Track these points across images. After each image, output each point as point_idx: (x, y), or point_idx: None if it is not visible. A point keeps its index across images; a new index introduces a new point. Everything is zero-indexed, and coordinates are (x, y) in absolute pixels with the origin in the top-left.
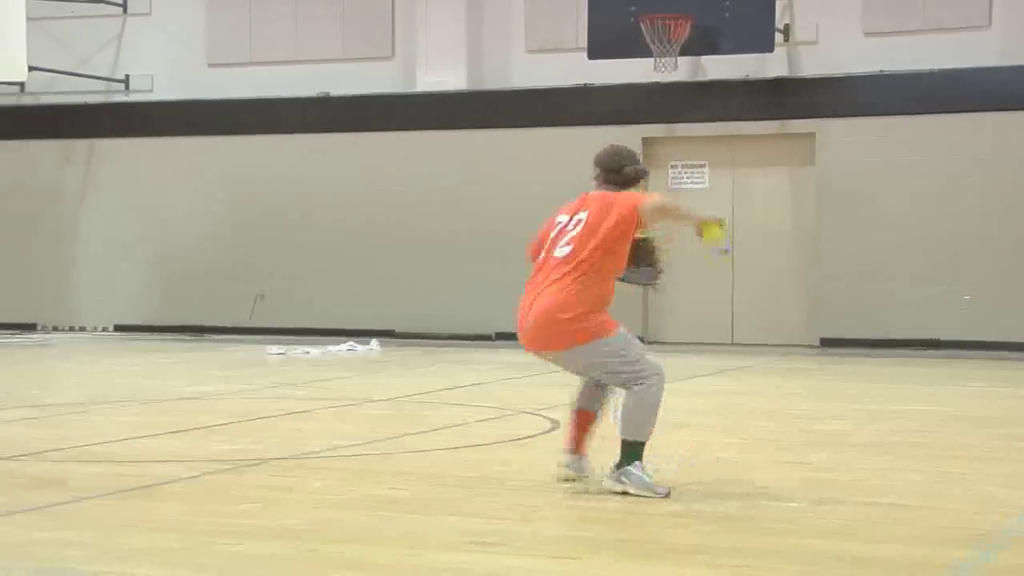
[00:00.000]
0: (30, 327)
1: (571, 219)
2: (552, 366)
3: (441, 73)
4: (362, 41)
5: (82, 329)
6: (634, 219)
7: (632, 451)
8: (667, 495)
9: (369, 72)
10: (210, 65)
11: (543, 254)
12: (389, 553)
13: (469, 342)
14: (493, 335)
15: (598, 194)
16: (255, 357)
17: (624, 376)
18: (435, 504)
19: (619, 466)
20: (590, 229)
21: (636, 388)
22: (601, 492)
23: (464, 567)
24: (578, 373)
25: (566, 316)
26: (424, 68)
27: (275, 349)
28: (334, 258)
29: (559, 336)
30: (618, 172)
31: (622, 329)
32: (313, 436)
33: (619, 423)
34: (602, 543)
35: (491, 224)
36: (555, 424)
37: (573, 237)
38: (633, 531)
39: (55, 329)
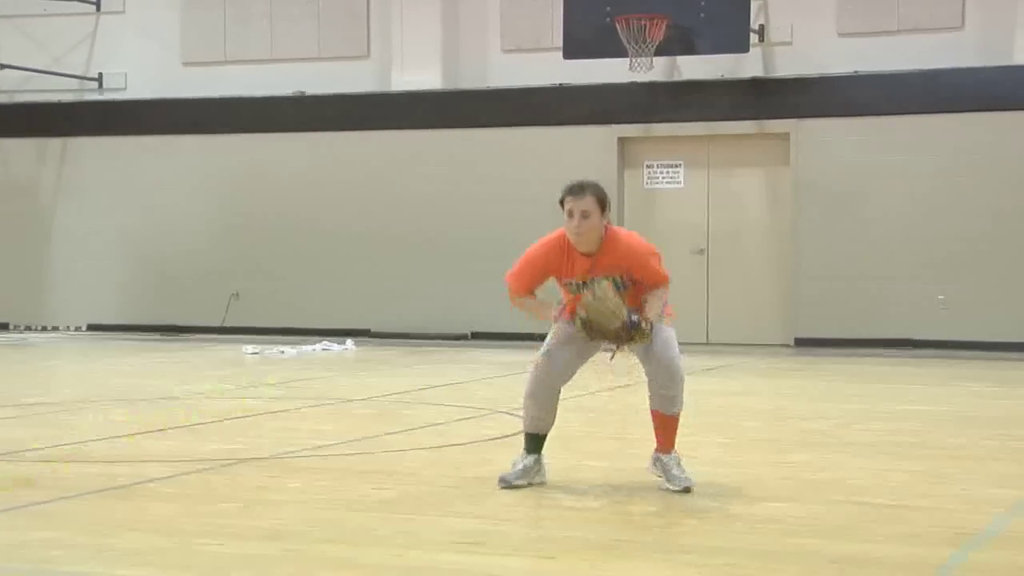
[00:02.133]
0: (3, 327)
1: None
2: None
3: (417, 72)
4: (338, 40)
5: (55, 328)
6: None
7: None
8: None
9: (345, 71)
10: (185, 64)
11: None
12: (373, 553)
13: (446, 341)
14: (469, 334)
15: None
16: (231, 356)
17: None
18: (417, 504)
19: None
20: None
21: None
22: (586, 492)
23: (448, 567)
24: None
25: None
26: (400, 67)
27: (250, 348)
28: (309, 257)
29: None
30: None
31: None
32: (294, 436)
33: None
34: (588, 543)
35: (467, 223)
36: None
37: None
38: (620, 531)
39: (28, 328)
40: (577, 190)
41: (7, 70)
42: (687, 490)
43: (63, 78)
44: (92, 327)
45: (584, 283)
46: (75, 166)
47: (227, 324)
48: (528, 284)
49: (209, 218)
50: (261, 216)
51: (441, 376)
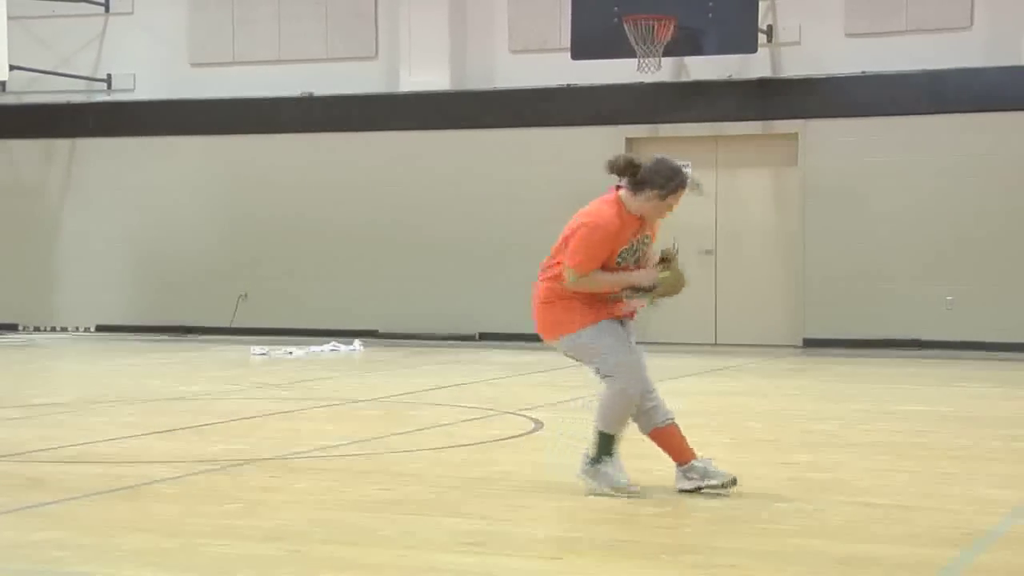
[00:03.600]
0: (11, 327)
1: None
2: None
3: (425, 73)
4: (345, 41)
5: (64, 329)
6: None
7: (602, 443)
8: (637, 493)
9: (353, 72)
10: (193, 65)
11: None
12: (378, 553)
13: (453, 342)
14: (477, 335)
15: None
16: (239, 357)
17: (595, 367)
18: (423, 504)
19: (593, 461)
20: (564, 239)
21: (607, 381)
22: (591, 492)
23: (453, 567)
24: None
25: (551, 324)
26: (408, 68)
27: (258, 349)
28: (317, 258)
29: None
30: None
31: (603, 322)
32: (300, 437)
33: (595, 410)
34: (593, 543)
35: (475, 224)
36: (539, 424)
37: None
38: (624, 531)
39: (37, 329)
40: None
41: (16, 71)
42: (735, 480)
43: (72, 79)
44: (100, 328)
45: (634, 247)
46: (83, 167)
47: (235, 325)
48: (601, 257)
49: (217, 219)
50: (269, 217)
51: (448, 377)
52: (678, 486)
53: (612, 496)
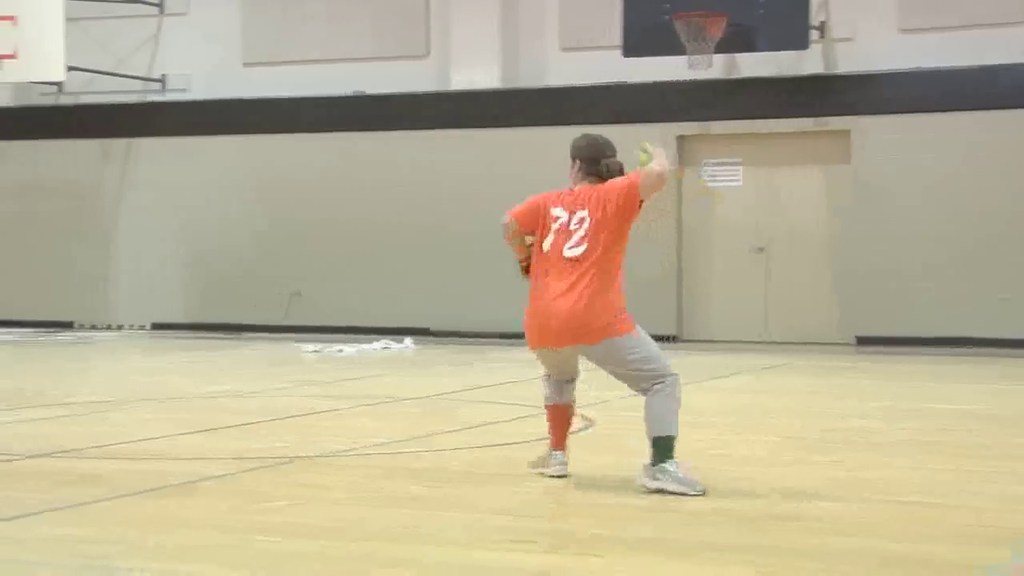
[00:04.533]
0: (67, 325)
1: (571, 217)
2: (566, 364)
3: (475, 71)
4: (396, 40)
5: (119, 327)
6: (635, 202)
7: (664, 447)
8: (703, 492)
9: (403, 71)
10: (245, 64)
11: (545, 251)
12: (428, 551)
13: (504, 340)
14: None
15: (589, 190)
16: (290, 355)
17: (645, 374)
18: (471, 502)
19: (654, 463)
20: (597, 225)
21: (657, 387)
22: (634, 490)
23: (501, 565)
24: (604, 367)
25: (598, 312)
26: (458, 66)
27: (310, 347)
28: (369, 256)
29: (592, 332)
30: (596, 163)
31: (639, 328)
32: (348, 434)
33: (648, 422)
34: (637, 541)
35: None
36: (588, 423)
37: (582, 237)
38: (663, 529)
39: (92, 328)
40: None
41: (72, 72)
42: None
43: (127, 79)
44: (155, 326)
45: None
46: (138, 167)
47: (288, 323)
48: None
49: (271, 217)
50: (321, 215)
51: (498, 375)
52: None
53: (678, 494)
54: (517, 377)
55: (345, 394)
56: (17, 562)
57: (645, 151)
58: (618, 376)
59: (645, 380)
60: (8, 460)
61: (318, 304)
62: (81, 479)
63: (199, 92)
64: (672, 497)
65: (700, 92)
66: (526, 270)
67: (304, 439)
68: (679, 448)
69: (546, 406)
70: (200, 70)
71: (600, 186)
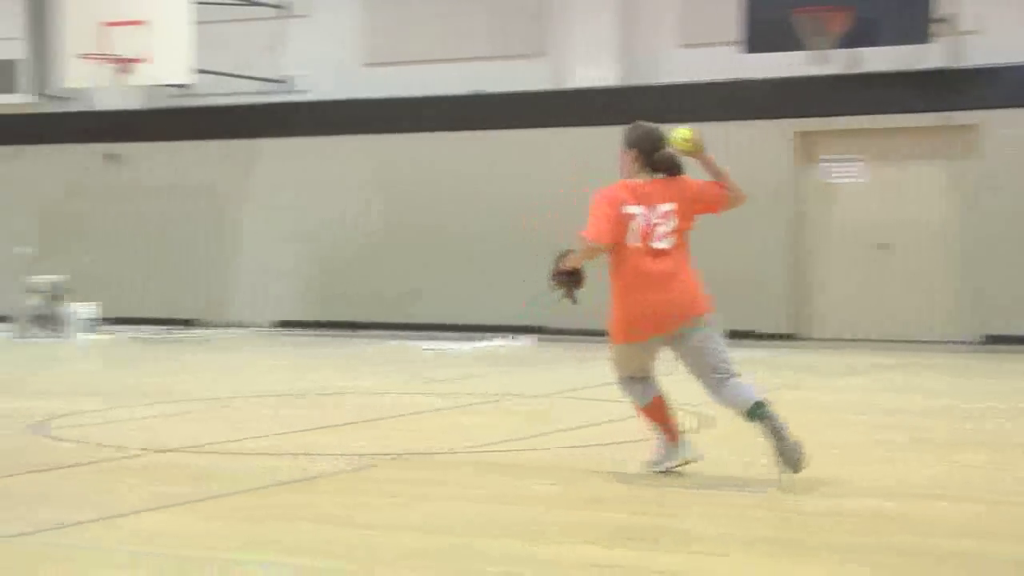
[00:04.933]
0: (189, 323)
1: (651, 211)
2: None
3: (593, 69)
4: (514, 38)
5: (240, 325)
6: (715, 211)
7: (763, 409)
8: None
9: (520, 69)
10: (365, 65)
11: (633, 247)
12: (544, 548)
13: None
14: None
15: (667, 184)
16: (408, 353)
17: (723, 363)
18: (588, 499)
19: (764, 421)
20: (682, 219)
21: (727, 380)
22: (749, 489)
23: (625, 563)
24: (689, 353)
25: (700, 289)
26: (576, 64)
27: (427, 345)
28: (487, 255)
29: (701, 306)
30: (652, 154)
31: None
32: (463, 431)
33: (735, 402)
34: (764, 540)
35: None
36: (707, 420)
37: (671, 230)
38: (781, 529)
39: (213, 326)
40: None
41: (199, 74)
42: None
43: (250, 81)
44: (277, 324)
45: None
46: (261, 166)
47: (406, 321)
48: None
49: (389, 216)
50: (439, 214)
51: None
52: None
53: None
54: None
55: (461, 391)
56: (130, 553)
57: (685, 139)
58: (698, 364)
59: (722, 370)
60: (128, 455)
61: (437, 302)
62: (198, 474)
63: (321, 93)
64: (790, 496)
65: (820, 87)
66: (571, 283)
67: (420, 436)
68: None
69: (645, 406)
70: (322, 71)
71: (686, 183)
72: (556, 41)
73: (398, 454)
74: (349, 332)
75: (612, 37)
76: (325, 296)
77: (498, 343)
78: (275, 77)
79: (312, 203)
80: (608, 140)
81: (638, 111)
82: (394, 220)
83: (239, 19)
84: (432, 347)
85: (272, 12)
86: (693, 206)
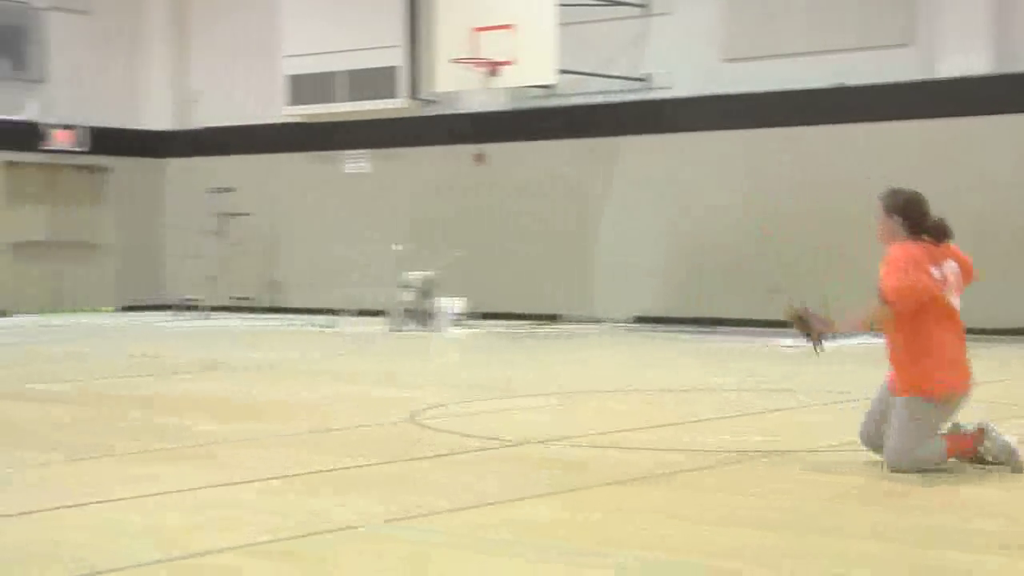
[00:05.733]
0: (553, 318)
1: (943, 270)
2: None
3: (964, 57)
4: (880, 28)
5: (600, 321)
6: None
7: None
8: None
9: (886, 60)
10: (725, 60)
11: (950, 306)
12: (892, 549)
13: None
14: None
15: (947, 249)
16: (767, 350)
17: None
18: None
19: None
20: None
21: None
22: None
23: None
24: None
25: None
26: (945, 52)
27: (787, 342)
28: (856, 251)
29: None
30: (921, 222)
31: None
32: (818, 431)
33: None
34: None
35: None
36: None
37: (958, 288)
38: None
39: (576, 321)
40: None
41: (561, 74)
42: None
43: (612, 80)
44: (637, 320)
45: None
46: (623, 164)
47: (767, 317)
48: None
49: (749, 212)
50: (803, 208)
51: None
52: None
53: None
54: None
55: (819, 389)
56: (488, 540)
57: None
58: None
59: None
60: (498, 446)
61: (797, 298)
62: (566, 466)
63: (681, 90)
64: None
65: None
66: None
67: (780, 434)
68: None
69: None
70: (682, 68)
71: (959, 253)
72: (925, 29)
73: (758, 452)
74: (707, 328)
75: (986, 21)
76: (684, 292)
77: (858, 341)
78: (636, 75)
79: (672, 199)
80: (982, 132)
81: (1015, 102)
82: (755, 215)
83: (601, 19)
84: (792, 344)
85: (635, 11)
86: (967, 276)
